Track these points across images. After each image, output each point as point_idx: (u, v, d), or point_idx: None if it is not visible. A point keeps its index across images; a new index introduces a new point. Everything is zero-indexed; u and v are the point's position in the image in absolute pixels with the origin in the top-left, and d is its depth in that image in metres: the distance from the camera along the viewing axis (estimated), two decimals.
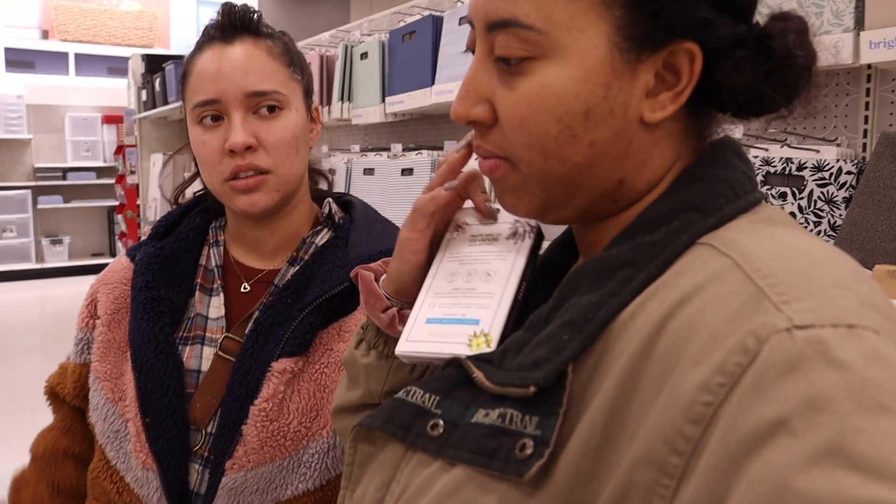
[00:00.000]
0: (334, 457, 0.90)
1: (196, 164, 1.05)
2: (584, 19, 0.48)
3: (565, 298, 0.51)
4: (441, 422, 0.52)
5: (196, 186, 1.11)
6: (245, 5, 0.98)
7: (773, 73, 0.49)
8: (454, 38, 2.23)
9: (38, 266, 8.00)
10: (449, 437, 0.50)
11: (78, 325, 1.05)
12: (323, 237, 1.03)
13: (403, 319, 0.64)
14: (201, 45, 0.97)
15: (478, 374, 0.51)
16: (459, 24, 2.21)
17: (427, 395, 0.54)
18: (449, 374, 0.55)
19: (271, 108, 0.94)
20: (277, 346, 0.91)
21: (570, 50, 0.48)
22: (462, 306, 0.60)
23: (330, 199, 1.06)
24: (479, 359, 0.53)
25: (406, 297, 0.66)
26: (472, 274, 0.62)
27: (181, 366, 0.95)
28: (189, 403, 0.93)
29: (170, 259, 1.01)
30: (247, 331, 0.94)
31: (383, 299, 0.67)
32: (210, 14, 0.99)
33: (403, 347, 0.61)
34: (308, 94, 1.02)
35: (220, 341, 0.96)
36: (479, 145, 0.55)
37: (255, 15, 0.98)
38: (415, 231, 0.64)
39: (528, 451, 0.45)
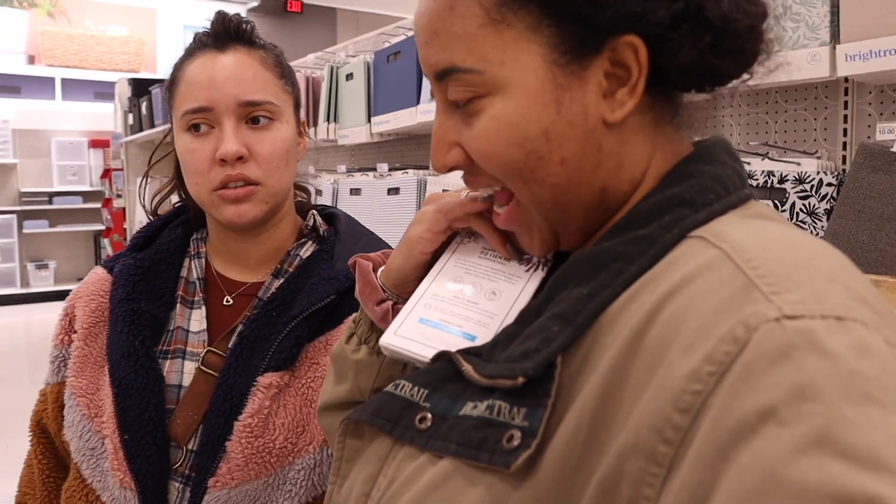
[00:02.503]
0: (321, 473, 0.88)
1: (178, 174, 1.03)
2: (515, 49, 0.49)
3: (556, 291, 0.51)
4: (429, 415, 0.52)
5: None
6: (238, 14, 0.97)
7: (717, 43, 0.49)
8: None
9: (24, 291, 7.92)
10: (437, 430, 0.51)
11: (53, 342, 1.02)
12: (307, 250, 1.01)
13: (397, 314, 0.64)
14: (192, 52, 0.95)
15: (467, 368, 0.51)
16: None
17: (416, 389, 0.54)
18: (438, 368, 0.55)
19: (263, 119, 0.93)
20: (263, 360, 0.89)
21: (511, 80, 0.50)
22: (460, 317, 0.60)
23: (314, 212, 1.05)
24: (468, 352, 0.53)
25: (403, 293, 0.66)
26: (478, 287, 0.62)
27: (162, 381, 0.92)
28: (169, 419, 0.91)
29: (150, 271, 0.99)
30: (230, 344, 0.93)
31: (379, 291, 0.67)
32: None
33: (390, 340, 0.61)
34: (297, 106, 1.01)
35: (202, 355, 0.94)
36: (471, 181, 0.57)
37: (249, 25, 0.96)
38: (430, 231, 0.64)
39: (516, 442, 0.45)
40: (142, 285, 0.97)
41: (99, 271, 1.03)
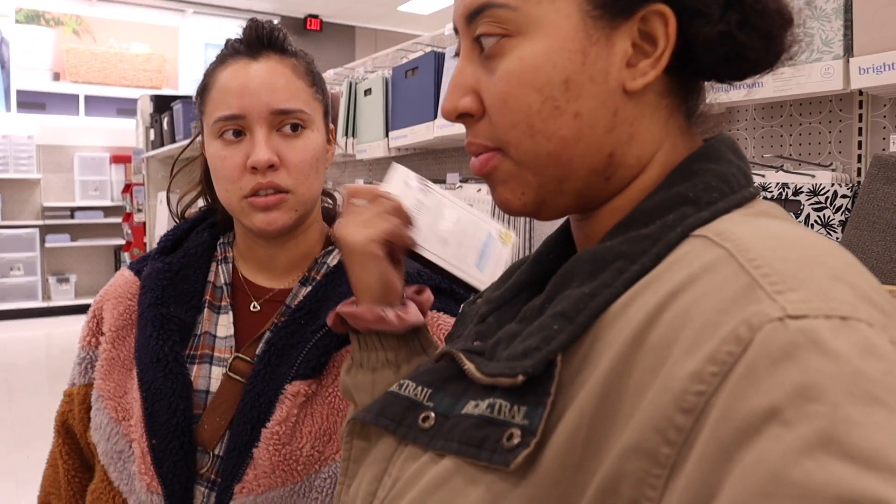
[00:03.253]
0: None
1: (204, 179, 1.04)
2: None
3: (558, 290, 0.51)
4: (432, 414, 0.52)
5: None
6: (271, 21, 0.97)
7: (746, 21, 0.49)
8: None
9: (45, 304, 8.01)
10: (439, 429, 0.51)
11: (80, 344, 1.02)
12: (335, 257, 1.01)
13: (405, 313, 0.69)
14: (224, 59, 0.95)
15: (469, 366, 0.51)
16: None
17: (419, 388, 0.55)
18: (441, 367, 0.56)
19: (295, 127, 0.93)
20: (291, 368, 0.89)
21: (544, 22, 0.50)
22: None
23: None
24: (471, 351, 0.53)
25: (394, 298, 0.70)
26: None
27: (190, 386, 0.92)
28: (196, 424, 0.91)
29: (178, 275, 0.99)
30: (258, 351, 0.93)
31: (379, 311, 0.68)
32: None
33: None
34: (327, 114, 1.01)
35: (229, 361, 0.94)
36: (471, 142, 0.55)
37: (281, 33, 0.96)
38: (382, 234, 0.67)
39: (516, 440, 0.45)
40: (170, 289, 0.97)
41: (126, 273, 1.03)
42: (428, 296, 0.75)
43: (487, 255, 0.71)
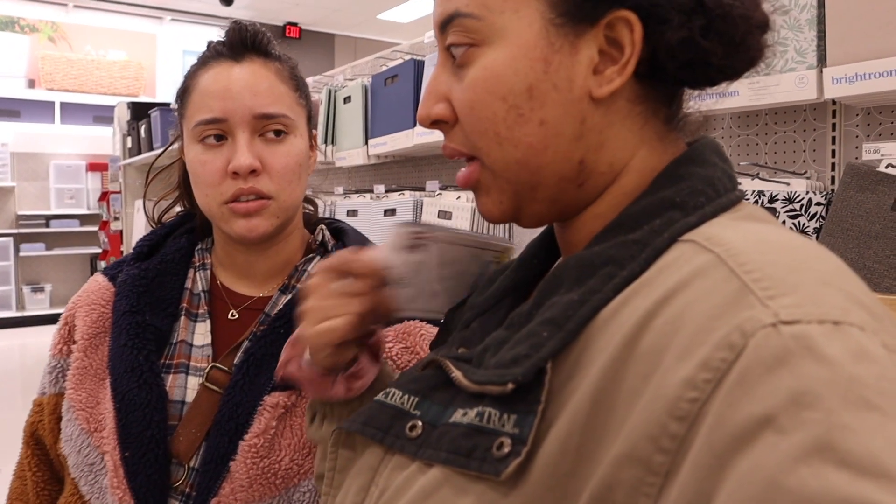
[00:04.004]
0: None
1: (182, 183, 1.01)
2: (517, 0, 0.50)
3: (546, 296, 0.50)
4: (420, 423, 0.51)
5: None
6: (255, 24, 0.94)
7: (709, 27, 0.48)
8: None
9: (19, 314, 7.89)
10: (427, 438, 0.50)
11: (51, 352, 0.98)
12: (315, 265, 0.99)
13: (355, 376, 0.67)
14: (206, 61, 0.93)
15: (456, 374, 0.50)
16: None
17: (406, 397, 0.54)
18: (428, 375, 0.55)
19: (277, 133, 0.91)
20: (270, 379, 0.87)
21: (507, 31, 0.50)
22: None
23: (323, 227, 1.03)
24: (458, 358, 0.53)
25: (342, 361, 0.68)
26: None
27: (165, 397, 0.89)
28: (171, 436, 0.88)
29: (154, 281, 0.96)
30: (236, 361, 0.90)
31: (327, 381, 0.68)
32: None
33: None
34: (310, 119, 0.99)
35: (206, 371, 0.91)
36: (446, 145, 0.56)
37: (265, 36, 0.95)
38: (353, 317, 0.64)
39: (506, 449, 0.44)
40: (146, 296, 0.95)
41: (100, 279, 1.00)
42: (379, 337, 0.72)
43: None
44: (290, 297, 0.96)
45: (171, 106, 0.98)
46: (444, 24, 0.53)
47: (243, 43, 0.92)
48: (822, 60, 1.28)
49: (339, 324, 0.63)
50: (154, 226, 1.06)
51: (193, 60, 0.97)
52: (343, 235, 1.03)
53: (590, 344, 0.45)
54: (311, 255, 1.01)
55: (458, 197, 2.10)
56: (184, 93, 0.94)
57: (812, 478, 0.31)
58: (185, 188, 1.02)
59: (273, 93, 0.91)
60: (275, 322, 0.91)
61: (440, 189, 2.27)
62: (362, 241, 1.04)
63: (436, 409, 0.52)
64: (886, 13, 1.16)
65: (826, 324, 0.36)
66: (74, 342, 0.96)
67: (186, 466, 0.88)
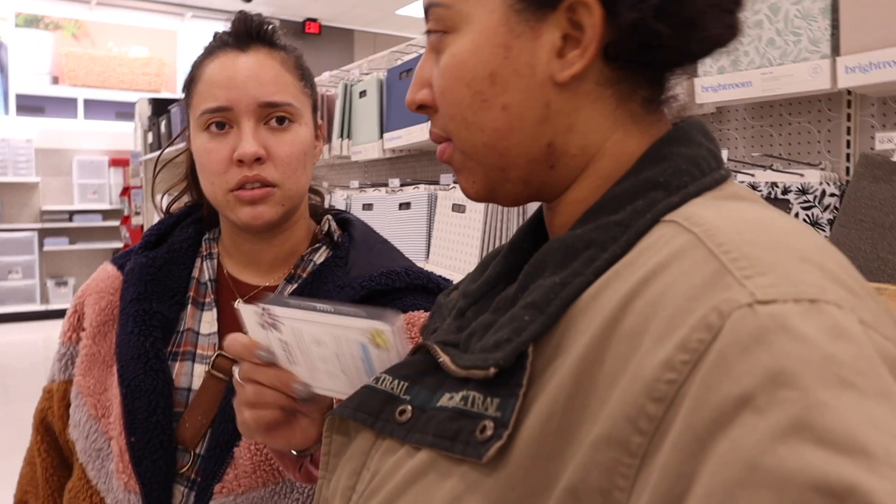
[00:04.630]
0: None
1: (190, 174, 1.03)
2: None
3: (530, 280, 0.51)
4: (409, 407, 0.52)
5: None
6: (260, 14, 0.96)
7: (663, 8, 0.48)
8: None
9: (43, 308, 8.01)
10: (416, 422, 0.51)
11: (61, 339, 1.00)
12: (321, 255, 1.00)
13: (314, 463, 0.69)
14: (212, 51, 0.94)
15: (444, 359, 0.51)
16: None
17: (396, 382, 0.55)
18: (417, 361, 0.55)
19: (282, 120, 0.92)
20: None
21: (472, 18, 0.52)
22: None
23: (329, 217, 1.04)
24: (445, 343, 0.53)
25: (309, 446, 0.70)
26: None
27: (171, 383, 0.91)
28: (177, 423, 0.90)
29: (161, 270, 0.97)
30: None
31: (293, 463, 0.72)
32: None
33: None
34: (315, 109, 1.00)
35: (212, 359, 0.92)
36: (431, 131, 0.58)
37: (270, 26, 0.96)
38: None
39: (489, 432, 0.45)
40: (153, 285, 0.96)
41: (109, 268, 1.02)
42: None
43: (373, 366, 0.62)
44: (295, 286, 0.97)
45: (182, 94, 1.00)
46: (425, 12, 0.55)
47: (248, 33, 0.93)
48: (835, 50, 1.26)
49: (256, 416, 0.67)
50: (162, 216, 1.08)
51: (213, 34, 0.97)
52: (349, 226, 1.04)
53: (571, 327, 0.45)
54: (317, 245, 1.02)
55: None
56: (190, 83, 0.96)
57: (790, 457, 0.32)
58: (192, 179, 1.03)
59: (278, 82, 0.92)
60: None
61: (454, 182, 2.27)
62: (367, 232, 1.04)
63: (425, 393, 0.52)
64: None
65: (802, 302, 0.36)
66: (83, 329, 0.97)
67: (192, 453, 0.89)
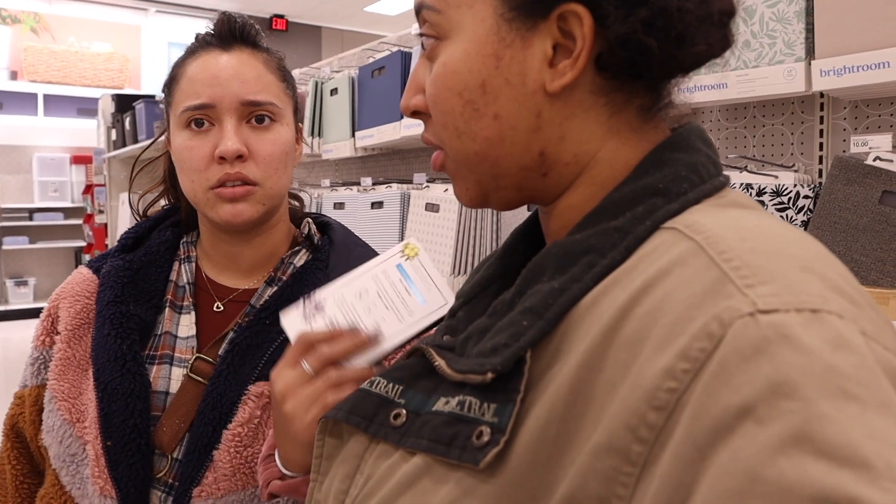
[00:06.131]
0: None
1: (168, 177, 1.01)
2: None
3: (528, 285, 0.50)
4: (404, 411, 0.52)
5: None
6: (243, 16, 0.96)
7: (652, 21, 0.47)
8: None
9: (2, 308, 7.82)
10: (410, 426, 0.50)
11: (34, 343, 0.98)
12: (301, 258, 1.00)
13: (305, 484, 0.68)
14: (194, 50, 0.94)
15: (440, 362, 0.51)
16: None
17: (390, 385, 0.54)
18: (412, 364, 0.55)
19: (263, 119, 0.92)
20: (255, 368, 0.88)
21: (462, 26, 0.51)
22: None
23: (309, 220, 1.04)
24: (441, 347, 0.53)
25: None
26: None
27: (148, 387, 0.89)
28: (155, 427, 0.88)
29: (139, 273, 0.96)
30: (221, 352, 0.91)
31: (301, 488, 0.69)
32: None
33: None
34: (296, 111, 1.00)
35: (190, 362, 0.92)
36: (422, 135, 0.58)
37: (254, 28, 0.96)
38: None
39: (485, 438, 0.44)
40: (130, 287, 0.95)
41: (84, 271, 1.00)
42: None
43: (415, 286, 0.70)
44: (275, 289, 0.96)
45: (157, 98, 0.99)
46: (417, 13, 0.55)
47: (232, 33, 0.94)
48: (810, 53, 1.27)
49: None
50: (139, 219, 1.06)
51: (179, 53, 0.98)
52: (329, 230, 1.04)
53: (570, 333, 0.45)
54: (296, 248, 1.02)
55: (446, 189, 2.08)
56: (171, 82, 0.95)
57: (791, 469, 0.31)
58: (170, 182, 1.03)
59: (261, 81, 0.92)
60: (260, 313, 0.92)
61: (427, 181, 2.26)
62: (348, 235, 1.05)
63: (420, 397, 0.52)
64: (875, 5, 1.15)
65: (804, 312, 0.36)
66: (57, 333, 0.96)
67: (169, 457, 0.88)
